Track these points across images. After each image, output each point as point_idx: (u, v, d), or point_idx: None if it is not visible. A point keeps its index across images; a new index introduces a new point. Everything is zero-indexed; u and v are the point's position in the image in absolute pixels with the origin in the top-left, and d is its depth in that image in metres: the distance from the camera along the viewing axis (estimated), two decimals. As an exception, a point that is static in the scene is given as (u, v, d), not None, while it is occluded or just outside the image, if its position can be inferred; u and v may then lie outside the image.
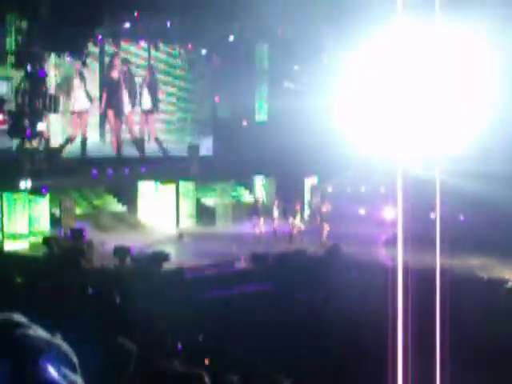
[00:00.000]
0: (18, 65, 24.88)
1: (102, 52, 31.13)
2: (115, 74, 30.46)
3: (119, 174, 30.14)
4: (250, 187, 32.83)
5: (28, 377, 1.79)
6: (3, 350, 1.81)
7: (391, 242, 22.93)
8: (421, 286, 10.57)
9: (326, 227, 25.51)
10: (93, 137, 30.77)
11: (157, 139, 31.97)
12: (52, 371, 1.81)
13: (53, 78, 28.71)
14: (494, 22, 24.66)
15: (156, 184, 28.63)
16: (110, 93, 30.41)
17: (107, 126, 31.28)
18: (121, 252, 21.06)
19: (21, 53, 24.49)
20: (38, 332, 1.89)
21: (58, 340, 1.91)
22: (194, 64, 33.26)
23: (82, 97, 30.02)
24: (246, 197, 32.49)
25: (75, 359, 1.92)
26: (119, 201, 28.93)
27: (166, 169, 30.57)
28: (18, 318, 1.91)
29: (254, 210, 26.81)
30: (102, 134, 31.70)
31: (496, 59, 27.14)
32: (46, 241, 22.65)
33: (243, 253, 22.52)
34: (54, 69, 28.99)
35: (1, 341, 1.83)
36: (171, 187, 28.75)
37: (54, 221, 25.42)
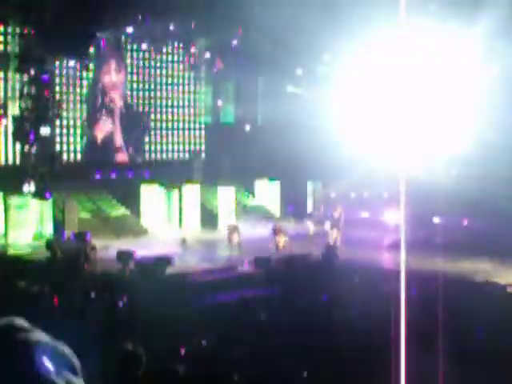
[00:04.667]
0: (22, 69, 24.83)
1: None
2: None
3: (123, 177, 30.15)
4: (253, 191, 32.83)
5: (29, 380, 1.79)
6: (4, 354, 1.81)
7: (394, 247, 22.92)
8: (423, 290, 10.57)
9: (338, 232, 25.40)
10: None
11: None
12: (53, 374, 1.82)
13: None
14: (491, 24, 24.58)
15: (159, 188, 28.55)
16: None
17: None
18: (124, 256, 21.00)
19: (24, 57, 24.44)
20: (40, 336, 1.89)
21: (59, 344, 1.91)
22: (197, 68, 33.21)
23: None
24: (249, 201, 32.47)
25: (77, 362, 1.93)
26: (122, 205, 28.89)
27: (170, 173, 30.56)
28: (20, 322, 1.91)
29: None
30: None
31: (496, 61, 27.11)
32: (49, 244, 22.58)
33: (247, 257, 22.46)
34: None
35: (1, 345, 1.83)
36: (175, 191, 28.71)
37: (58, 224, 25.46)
